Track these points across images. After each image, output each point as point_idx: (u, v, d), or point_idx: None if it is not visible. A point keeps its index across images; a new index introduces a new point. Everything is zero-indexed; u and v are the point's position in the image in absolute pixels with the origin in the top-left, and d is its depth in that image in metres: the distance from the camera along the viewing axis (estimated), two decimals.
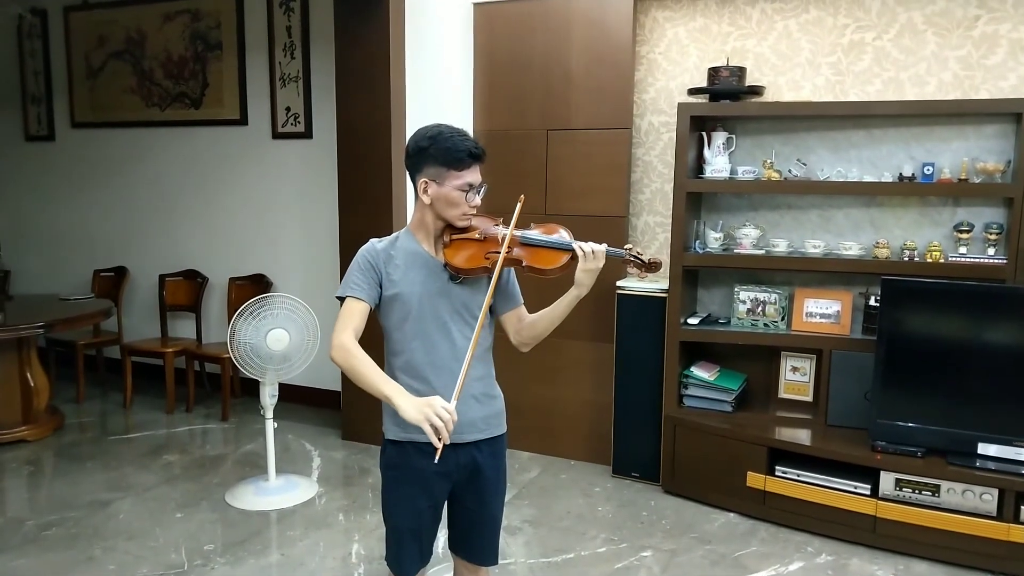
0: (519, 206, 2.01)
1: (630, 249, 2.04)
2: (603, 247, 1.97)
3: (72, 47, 5.69)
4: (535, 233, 2.04)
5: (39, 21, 5.77)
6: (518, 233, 2.01)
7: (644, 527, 3.51)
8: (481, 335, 2.04)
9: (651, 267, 2.05)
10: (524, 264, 2.00)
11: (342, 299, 1.99)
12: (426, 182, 1.97)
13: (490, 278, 2.01)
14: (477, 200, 1.99)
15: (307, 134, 4.93)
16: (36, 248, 6.06)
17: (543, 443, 4.30)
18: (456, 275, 1.99)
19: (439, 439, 1.75)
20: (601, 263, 1.96)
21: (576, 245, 1.97)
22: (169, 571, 3.08)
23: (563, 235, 2.03)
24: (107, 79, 5.59)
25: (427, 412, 1.76)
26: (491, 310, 2.08)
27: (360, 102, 4.13)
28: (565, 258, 1.98)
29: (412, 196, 4.38)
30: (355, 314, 1.95)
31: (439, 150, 1.94)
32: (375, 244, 2.04)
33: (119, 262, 5.65)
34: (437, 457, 1.77)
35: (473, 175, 1.97)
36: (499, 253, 1.95)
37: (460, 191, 1.95)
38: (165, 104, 5.41)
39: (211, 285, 5.32)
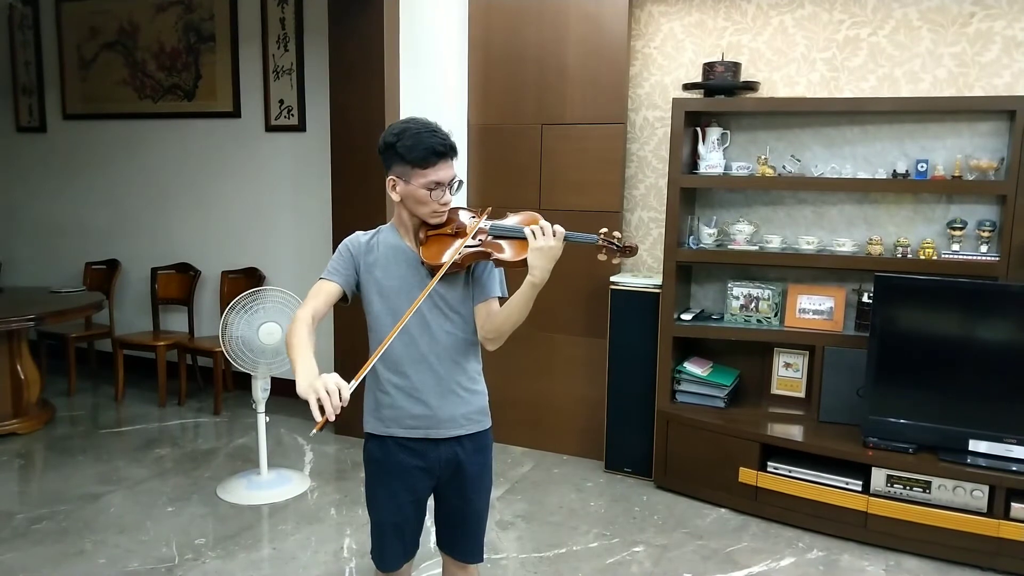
0: (485, 215, 1.97)
1: (605, 233, 1.95)
2: (561, 228, 1.89)
3: (64, 38, 5.65)
4: (504, 223, 1.98)
5: (30, 11, 5.73)
6: (487, 224, 1.96)
7: (636, 522, 3.52)
8: (460, 331, 2.01)
9: (627, 252, 1.95)
10: (492, 257, 1.94)
11: None
12: (393, 180, 1.93)
13: (469, 272, 1.98)
14: (447, 197, 1.94)
15: (300, 127, 4.91)
16: (27, 240, 6.03)
17: (536, 438, 4.30)
18: (434, 272, 1.94)
19: (322, 413, 1.61)
20: (553, 243, 1.85)
21: (528, 228, 1.88)
22: (160, 565, 3.08)
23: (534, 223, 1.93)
24: (99, 70, 5.55)
25: (316, 384, 1.64)
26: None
27: (354, 95, 4.11)
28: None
29: None
30: (320, 293, 1.95)
31: (404, 147, 1.89)
32: (358, 236, 2.03)
33: (111, 255, 5.62)
34: (314, 431, 1.69)
35: (440, 173, 1.90)
36: (469, 248, 1.91)
37: (426, 189, 1.90)
38: (158, 96, 5.38)
39: (203, 278, 5.29)
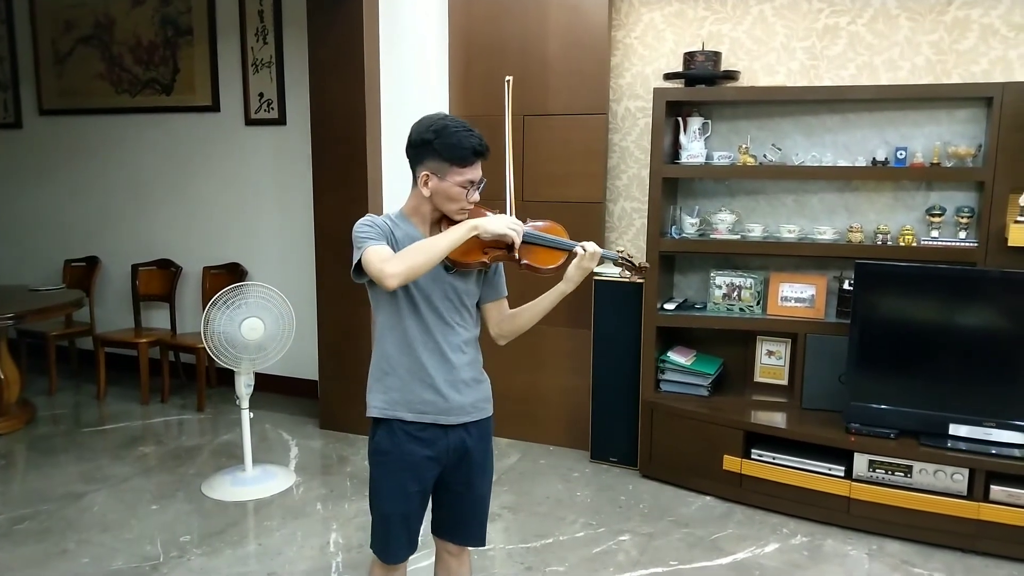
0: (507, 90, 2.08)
1: (622, 252, 2.12)
2: (599, 249, 2.03)
3: (38, 32, 5.57)
4: (536, 231, 2.06)
5: (3, 5, 5.63)
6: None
7: (622, 511, 3.53)
8: (468, 323, 2.08)
9: (641, 270, 2.13)
10: (523, 262, 2.03)
11: (358, 269, 1.92)
12: (427, 175, 1.95)
13: (486, 270, 2.07)
14: (476, 196, 2.00)
15: (281, 120, 4.87)
16: (5, 238, 5.95)
17: (522, 429, 4.31)
18: (452, 266, 2.00)
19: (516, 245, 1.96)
20: (595, 264, 2.02)
21: (578, 245, 2.02)
22: (145, 563, 3.06)
23: (561, 233, 2.09)
24: (75, 65, 5.48)
25: (509, 223, 1.95)
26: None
27: (334, 87, 4.08)
28: (563, 258, 2.04)
29: (390, 181, 4.33)
30: (384, 249, 1.89)
31: (443, 145, 1.92)
32: (374, 216, 2.01)
33: (90, 251, 5.55)
34: (519, 259, 1.99)
35: (475, 172, 1.97)
36: (500, 250, 1.99)
37: (461, 188, 1.95)
38: (135, 90, 5.31)
39: (185, 274, 5.25)
